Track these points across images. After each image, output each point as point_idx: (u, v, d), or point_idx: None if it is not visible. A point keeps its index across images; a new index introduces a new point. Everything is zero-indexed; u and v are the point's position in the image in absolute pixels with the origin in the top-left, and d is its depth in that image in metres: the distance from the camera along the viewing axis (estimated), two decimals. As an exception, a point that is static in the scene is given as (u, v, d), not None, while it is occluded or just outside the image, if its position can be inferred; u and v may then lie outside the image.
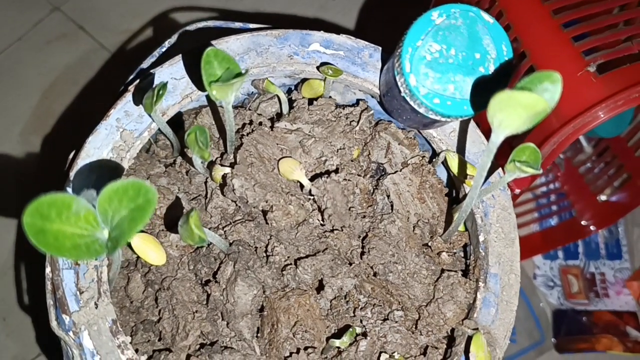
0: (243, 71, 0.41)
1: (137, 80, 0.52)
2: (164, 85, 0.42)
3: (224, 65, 0.41)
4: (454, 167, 0.54)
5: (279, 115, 0.60)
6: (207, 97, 0.57)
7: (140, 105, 0.51)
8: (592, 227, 0.92)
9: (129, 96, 0.51)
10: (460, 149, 0.56)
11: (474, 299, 0.53)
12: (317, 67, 0.54)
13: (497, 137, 0.37)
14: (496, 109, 0.35)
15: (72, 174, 0.48)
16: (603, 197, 0.91)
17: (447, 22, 0.44)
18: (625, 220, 0.94)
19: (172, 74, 0.52)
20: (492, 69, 0.44)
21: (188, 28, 0.57)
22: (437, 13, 0.44)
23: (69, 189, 0.47)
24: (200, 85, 0.53)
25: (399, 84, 0.46)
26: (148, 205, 0.34)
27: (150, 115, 0.50)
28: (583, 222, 0.92)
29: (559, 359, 0.89)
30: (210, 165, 0.55)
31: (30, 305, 0.80)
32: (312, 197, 0.55)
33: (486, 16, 0.44)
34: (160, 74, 0.52)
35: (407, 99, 0.46)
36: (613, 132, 0.82)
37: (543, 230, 0.94)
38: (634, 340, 0.89)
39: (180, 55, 0.53)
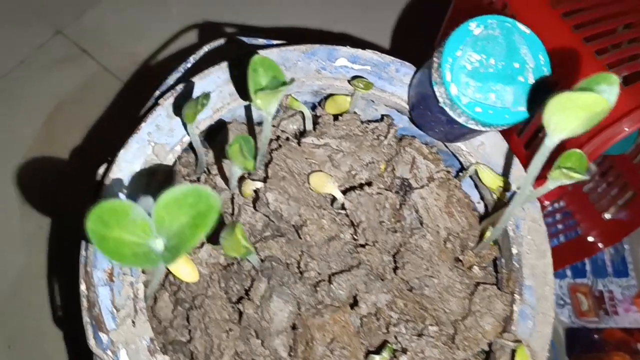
0: (287, 80, 0.41)
1: (168, 93, 0.51)
2: (206, 95, 0.42)
3: (270, 74, 0.41)
4: (486, 179, 0.54)
5: (302, 133, 0.60)
6: (232, 113, 0.56)
7: (171, 119, 0.51)
8: (598, 245, 0.92)
9: (159, 110, 0.51)
10: (489, 162, 0.56)
11: (510, 312, 0.53)
12: (348, 81, 0.54)
13: (552, 141, 0.37)
14: (553, 110, 0.35)
15: (105, 186, 0.47)
16: (608, 216, 0.92)
17: (485, 32, 0.44)
18: (630, 238, 0.95)
19: (203, 87, 0.52)
20: (531, 78, 0.45)
21: (211, 44, 0.57)
22: (475, 24, 0.45)
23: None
24: (230, 99, 0.52)
25: (438, 94, 0.46)
26: (210, 212, 0.33)
27: (185, 128, 0.49)
28: (589, 240, 0.93)
29: (571, 378, 0.89)
30: (240, 181, 0.54)
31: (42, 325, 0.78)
32: (342, 212, 0.55)
33: (522, 27, 0.45)
34: (190, 88, 0.52)
35: (446, 109, 0.46)
36: (618, 149, 0.83)
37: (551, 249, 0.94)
38: (645, 357, 0.89)
39: (210, 69, 0.53)
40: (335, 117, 0.58)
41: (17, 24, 0.93)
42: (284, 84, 0.41)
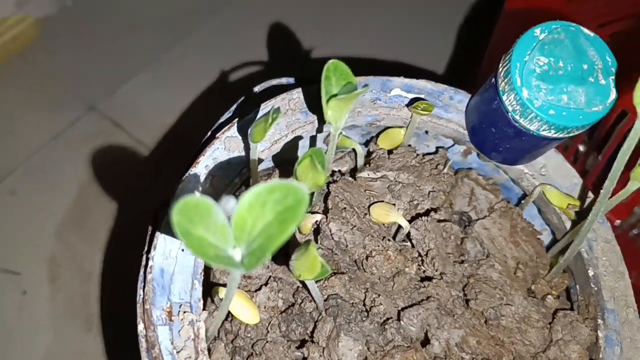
0: (360, 88, 0.40)
1: (225, 127, 0.50)
2: (276, 110, 0.41)
3: (341, 82, 0.40)
4: (554, 200, 0.52)
5: (353, 172, 0.58)
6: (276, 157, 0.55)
7: (229, 152, 0.49)
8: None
9: (217, 143, 0.49)
10: (552, 184, 0.54)
11: (595, 338, 0.49)
12: (407, 105, 0.53)
13: (644, 125, 0.35)
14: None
15: (164, 223, 0.45)
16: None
17: (551, 37, 0.44)
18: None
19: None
20: (601, 78, 0.44)
21: (262, 85, 0.57)
22: (540, 30, 0.44)
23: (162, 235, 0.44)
24: (288, 130, 0.51)
25: (507, 103, 0.45)
26: (299, 205, 0.31)
27: (247, 157, 0.48)
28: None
29: None
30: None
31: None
32: (406, 244, 0.52)
33: (586, 30, 0.45)
34: (246, 121, 0.51)
35: (517, 117, 0.45)
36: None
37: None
38: None
39: (266, 102, 0.52)
40: (389, 152, 0.57)
41: (51, 101, 0.94)
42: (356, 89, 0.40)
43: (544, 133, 0.44)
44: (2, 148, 0.89)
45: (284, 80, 0.57)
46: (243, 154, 0.50)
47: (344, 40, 1.05)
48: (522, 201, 0.56)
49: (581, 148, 0.63)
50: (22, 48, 0.95)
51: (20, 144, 0.89)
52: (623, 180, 0.42)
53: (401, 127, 0.56)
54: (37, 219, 0.85)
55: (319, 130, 0.53)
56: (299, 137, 0.52)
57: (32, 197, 0.86)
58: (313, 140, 0.55)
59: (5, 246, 0.82)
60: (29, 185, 0.87)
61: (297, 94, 0.53)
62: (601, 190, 0.40)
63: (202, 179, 0.48)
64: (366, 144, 0.61)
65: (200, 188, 0.48)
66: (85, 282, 0.81)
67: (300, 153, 0.57)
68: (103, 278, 0.81)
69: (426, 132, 0.57)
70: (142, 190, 0.87)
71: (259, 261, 0.32)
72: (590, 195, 0.53)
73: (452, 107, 0.55)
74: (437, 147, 0.59)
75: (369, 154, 0.58)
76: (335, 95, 0.40)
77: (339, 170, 0.58)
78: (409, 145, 0.57)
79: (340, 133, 0.57)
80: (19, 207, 0.85)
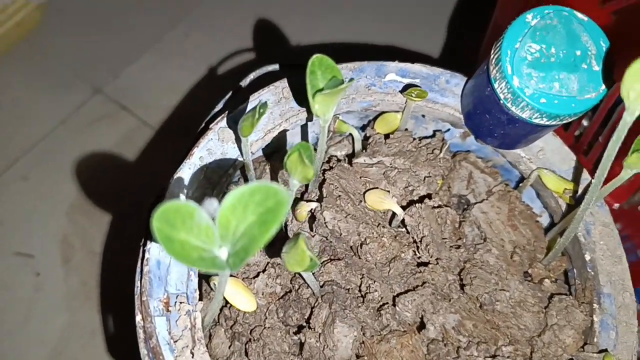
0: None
1: (219, 118, 0.50)
2: (264, 104, 0.41)
3: (327, 76, 0.40)
4: (551, 184, 0.52)
5: (350, 157, 0.58)
6: (277, 140, 0.55)
7: (222, 143, 0.50)
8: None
9: (211, 134, 0.50)
10: (550, 168, 0.54)
11: (590, 323, 0.49)
12: (400, 91, 0.53)
13: (632, 115, 0.35)
14: (634, 78, 0.33)
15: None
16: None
17: (543, 23, 0.43)
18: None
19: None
20: (594, 65, 0.43)
21: (258, 72, 0.57)
22: (531, 15, 0.43)
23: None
24: (282, 119, 0.51)
25: (498, 90, 0.44)
26: (280, 207, 0.31)
27: (240, 148, 0.48)
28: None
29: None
30: (293, 205, 0.52)
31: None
32: (402, 230, 0.52)
33: (580, 15, 0.44)
34: (240, 111, 0.51)
35: (509, 105, 0.44)
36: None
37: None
38: None
39: (259, 91, 0.52)
40: (386, 136, 0.57)
41: (57, 86, 0.95)
42: (342, 83, 0.40)
43: (536, 121, 0.44)
44: (12, 133, 0.90)
45: (278, 67, 0.57)
46: (236, 144, 0.50)
47: (336, 22, 1.04)
48: (521, 184, 0.56)
49: (585, 123, 0.62)
50: (25, 34, 0.95)
51: (30, 130, 0.90)
52: (620, 164, 0.41)
53: (397, 111, 0.55)
54: (49, 202, 0.86)
55: (312, 118, 0.53)
56: (294, 125, 0.52)
57: (43, 182, 0.87)
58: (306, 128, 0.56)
59: (18, 229, 0.84)
60: (40, 170, 0.88)
61: (291, 82, 0.53)
62: (592, 180, 0.40)
63: (196, 170, 0.48)
64: (364, 127, 0.61)
65: (194, 180, 0.48)
66: (96, 264, 0.83)
67: (295, 140, 0.57)
68: (113, 259, 0.83)
69: (423, 115, 0.57)
70: (150, 171, 0.89)
71: (243, 262, 0.32)
72: (589, 178, 0.52)
73: (448, 91, 0.54)
74: (435, 131, 0.58)
75: (366, 138, 0.58)
76: (322, 89, 0.40)
77: (336, 156, 0.58)
78: (406, 129, 0.57)
79: (337, 118, 0.57)
80: (31, 191, 0.87)
